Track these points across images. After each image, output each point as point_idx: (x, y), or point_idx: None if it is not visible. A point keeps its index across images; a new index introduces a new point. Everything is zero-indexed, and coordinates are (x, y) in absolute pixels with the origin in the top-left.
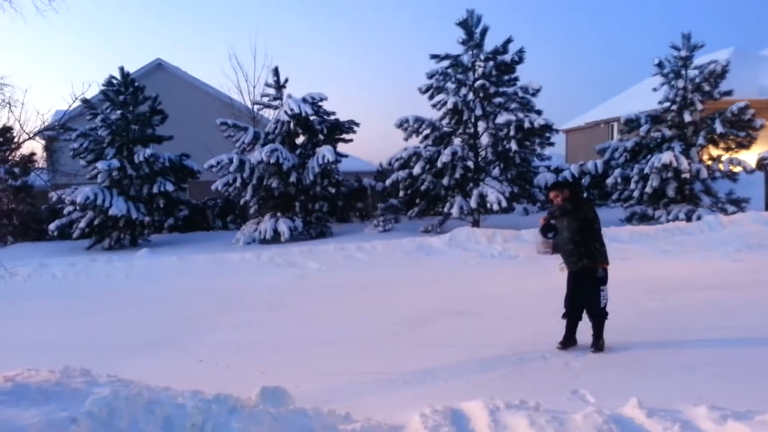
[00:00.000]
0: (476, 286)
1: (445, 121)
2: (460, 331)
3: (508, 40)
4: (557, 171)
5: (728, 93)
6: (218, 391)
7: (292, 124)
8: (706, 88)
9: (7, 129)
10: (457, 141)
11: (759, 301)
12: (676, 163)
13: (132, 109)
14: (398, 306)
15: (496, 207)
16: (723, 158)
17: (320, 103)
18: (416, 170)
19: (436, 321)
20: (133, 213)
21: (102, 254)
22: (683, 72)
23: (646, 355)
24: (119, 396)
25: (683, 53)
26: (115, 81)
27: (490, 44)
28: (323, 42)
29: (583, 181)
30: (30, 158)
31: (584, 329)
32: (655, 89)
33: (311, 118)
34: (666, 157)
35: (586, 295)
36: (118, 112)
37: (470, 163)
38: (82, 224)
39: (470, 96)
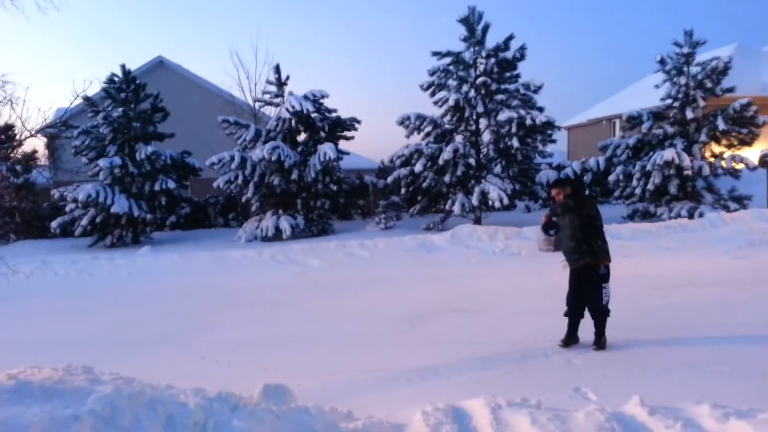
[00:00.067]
0: (478, 283)
1: (446, 119)
2: (461, 329)
3: (510, 37)
4: (559, 168)
5: (730, 90)
6: (220, 389)
7: (293, 122)
8: (708, 84)
9: (9, 126)
10: (458, 138)
11: (761, 299)
12: (678, 160)
13: (133, 107)
14: (400, 303)
15: (497, 204)
16: (725, 155)
17: (321, 101)
18: (418, 167)
19: (438, 318)
20: (134, 210)
21: (104, 252)
22: (685, 69)
23: (648, 352)
24: (122, 394)
25: (685, 50)
26: (116, 78)
27: (491, 41)
28: (324, 40)
29: (585, 178)
30: (32, 156)
31: (586, 327)
32: (657, 86)
33: (313, 115)
34: (668, 154)
35: (588, 292)
36: (120, 109)
37: (472, 161)
38: (84, 222)
39: (472, 93)
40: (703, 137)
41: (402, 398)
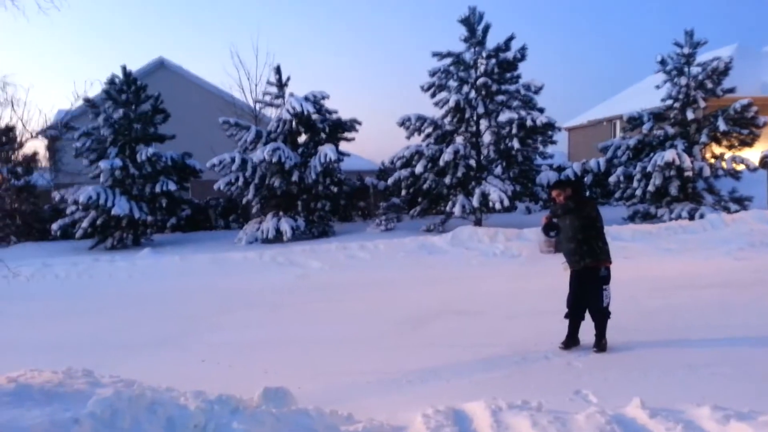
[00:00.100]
0: (478, 285)
1: (447, 120)
2: (462, 331)
3: (510, 38)
4: (559, 169)
5: (731, 90)
6: (221, 391)
7: (294, 123)
8: (709, 85)
9: (10, 128)
10: (459, 139)
11: (762, 300)
12: (679, 161)
13: (134, 108)
14: (400, 305)
15: (498, 206)
16: (726, 156)
17: (322, 102)
18: (418, 169)
19: (439, 320)
20: (135, 212)
21: (105, 254)
22: (686, 69)
23: (649, 354)
24: (122, 397)
25: (686, 50)
26: (117, 80)
27: (492, 42)
28: (324, 41)
29: (585, 179)
30: (33, 158)
31: (587, 329)
32: (657, 87)
33: (313, 116)
34: (669, 155)
35: (588, 294)
36: (121, 111)
37: (472, 162)
38: (84, 224)
39: (472, 94)
40: (703, 138)
41: (402, 401)
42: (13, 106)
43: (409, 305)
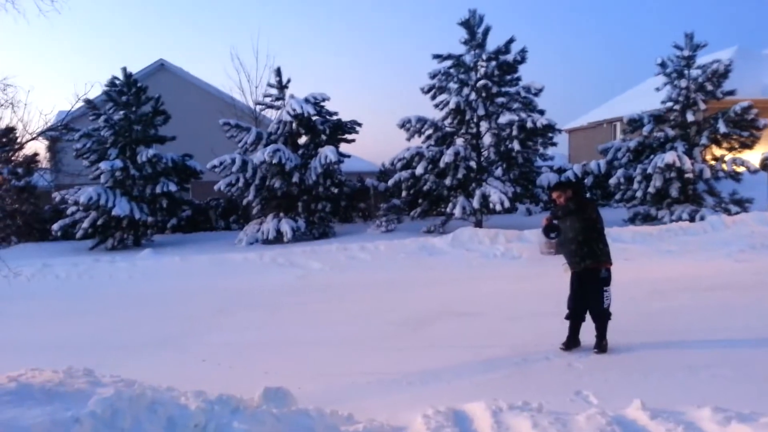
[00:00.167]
0: (479, 286)
1: (447, 121)
2: (462, 332)
3: (511, 40)
4: (560, 171)
5: (731, 92)
6: (221, 392)
7: (294, 125)
8: (709, 87)
9: (11, 129)
10: (459, 141)
11: (762, 302)
12: (679, 163)
13: (135, 110)
14: (401, 306)
15: (498, 207)
16: (726, 158)
17: (322, 104)
18: (419, 170)
19: (439, 321)
20: (136, 213)
21: (105, 254)
22: (686, 71)
23: (650, 356)
24: (122, 396)
25: (686, 53)
26: (117, 81)
27: (492, 44)
28: (324, 42)
29: (586, 181)
30: (33, 159)
31: (587, 330)
32: (657, 89)
33: (314, 118)
34: (669, 157)
35: (589, 295)
36: (121, 112)
37: (473, 164)
38: (85, 224)
39: (473, 96)
40: (704, 140)
41: (403, 401)
42: (13, 107)
43: (410, 306)
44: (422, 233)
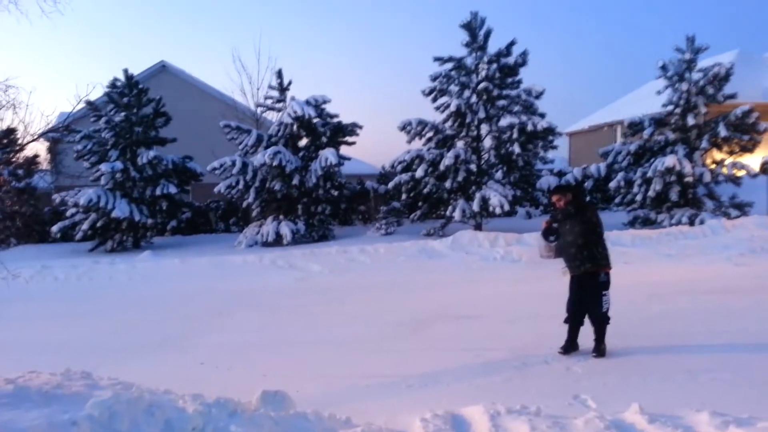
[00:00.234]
0: (478, 289)
1: (448, 124)
2: (462, 335)
3: (512, 43)
4: (560, 174)
5: (732, 96)
6: (219, 394)
7: (295, 127)
8: (710, 91)
9: (11, 130)
10: (460, 144)
11: (762, 306)
12: (680, 166)
13: (136, 111)
14: (400, 309)
15: (498, 210)
16: (726, 162)
17: (323, 106)
18: (419, 173)
19: (438, 324)
20: (135, 215)
21: (104, 256)
22: (687, 75)
23: (648, 360)
24: (120, 399)
25: (687, 56)
26: (119, 83)
27: (493, 47)
28: (325, 43)
29: (586, 184)
30: (34, 160)
31: (586, 334)
32: (658, 92)
33: (314, 120)
34: (669, 160)
35: (588, 299)
36: (122, 114)
37: (473, 166)
38: (85, 226)
39: (473, 99)
40: (704, 144)
41: (401, 404)
42: (15, 108)
43: (409, 309)
44: (422, 236)
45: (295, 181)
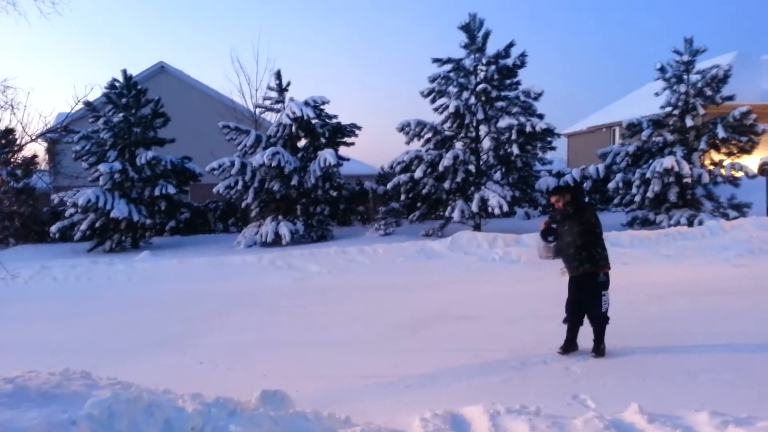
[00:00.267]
0: (477, 289)
1: (446, 125)
2: (460, 335)
3: (510, 44)
4: (559, 175)
5: (730, 98)
6: (219, 394)
7: (294, 128)
8: (708, 92)
9: (10, 131)
10: (458, 145)
11: (760, 307)
12: (678, 167)
13: (134, 112)
14: (399, 309)
15: (497, 211)
16: (725, 163)
17: (322, 107)
18: (418, 174)
19: (437, 324)
20: (134, 215)
21: (103, 256)
22: (685, 76)
23: (647, 360)
24: (119, 399)
25: (685, 58)
26: (117, 84)
27: (492, 48)
28: (324, 43)
29: (584, 185)
30: (32, 160)
31: (585, 334)
32: (657, 94)
33: (313, 121)
34: (668, 161)
35: (587, 299)
36: (121, 114)
37: (472, 167)
38: (83, 226)
39: (472, 100)
40: (702, 145)
41: (401, 404)
42: (13, 109)
43: (408, 309)
44: (421, 237)
45: (294, 181)
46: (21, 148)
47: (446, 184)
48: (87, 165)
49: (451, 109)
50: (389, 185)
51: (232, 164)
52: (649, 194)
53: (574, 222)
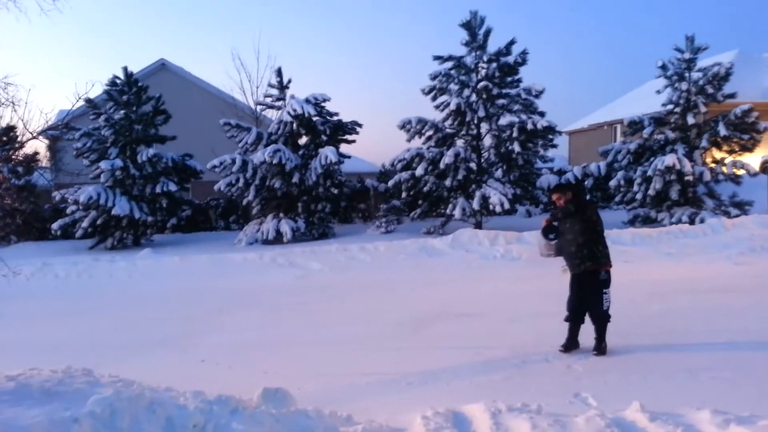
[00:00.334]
0: (478, 287)
1: (448, 123)
2: (462, 333)
3: (512, 42)
4: (560, 173)
5: (732, 95)
6: (220, 392)
7: (294, 125)
8: (710, 90)
9: (11, 128)
10: (459, 142)
11: (762, 305)
12: (680, 165)
13: (135, 109)
14: (400, 307)
15: (498, 209)
16: (726, 161)
17: (323, 104)
18: (419, 171)
19: (438, 322)
20: (135, 213)
21: (105, 254)
22: (687, 74)
23: (649, 358)
24: (121, 396)
25: (687, 55)
26: (118, 81)
27: (493, 46)
28: (324, 42)
29: (586, 183)
30: (33, 157)
31: (586, 332)
32: (658, 91)
33: (314, 118)
34: (669, 159)
35: (588, 297)
36: (122, 111)
37: (473, 165)
38: (85, 224)
39: (473, 97)
40: (704, 143)
41: (402, 402)
42: (14, 106)
43: (409, 307)
44: (422, 234)
45: (295, 179)
46: (22, 145)
47: (447, 182)
48: (88, 162)
49: (453, 106)
50: (390, 183)
51: (234, 161)
52: (651, 192)
53: (576, 220)
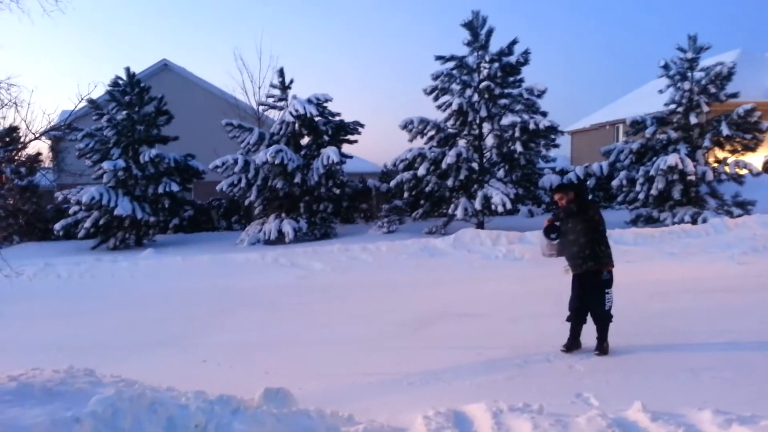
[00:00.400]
0: (480, 287)
1: (450, 123)
2: (463, 333)
3: (514, 42)
4: (562, 173)
5: (734, 95)
6: (222, 392)
7: (297, 125)
8: (712, 90)
9: (14, 129)
10: (461, 142)
11: (764, 304)
12: (682, 165)
13: (138, 110)
14: (402, 307)
15: (500, 209)
16: (729, 161)
17: (325, 104)
18: (421, 171)
19: (440, 322)
20: (138, 213)
21: (107, 254)
22: (689, 74)
23: (651, 358)
24: (123, 396)
25: (689, 55)
26: (120, 81)
27: (495, 45)
28: (326, 42)
29: (588, 183)
30: (36, 158)
31: (588, 332)
32: (660, 91)
33: (316, 119)
34: (671, 159)
35: (590, 297)
36: (124, 112)
37: (475, 165)
38: (87, 224)
39: (475, 97)
40: (706, 142)
41: (403, 402)
42: (17, 106)
43: (411, 307)
44: (424, 234)
45: (297, 179)
46: (25, 145)
47: (449, 182)
48: (90, 163)
49: (454, 106)
50: (392, 183)
51: (236, 162)
52: (653, 192)
53: (578, 220)
